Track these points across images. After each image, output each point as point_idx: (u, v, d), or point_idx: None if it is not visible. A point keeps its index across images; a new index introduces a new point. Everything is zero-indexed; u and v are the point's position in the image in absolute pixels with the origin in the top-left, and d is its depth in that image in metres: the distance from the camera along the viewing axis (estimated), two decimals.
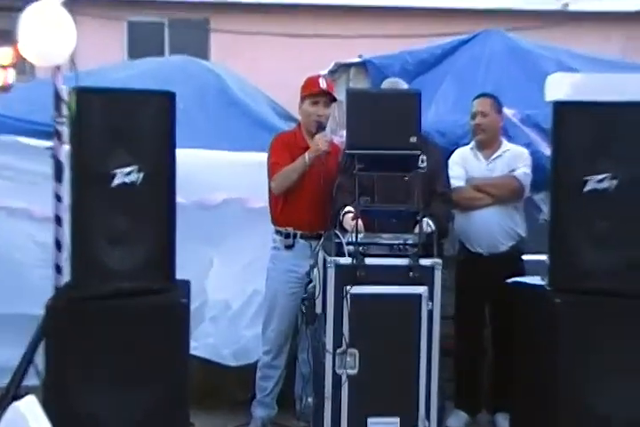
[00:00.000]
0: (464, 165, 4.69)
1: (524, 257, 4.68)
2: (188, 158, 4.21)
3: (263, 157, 4.42)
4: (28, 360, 3.80)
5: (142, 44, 10.94)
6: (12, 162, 4.72)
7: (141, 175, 3.64)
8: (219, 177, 4.74)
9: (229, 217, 4.72)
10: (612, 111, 3.92)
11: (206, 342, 4.51)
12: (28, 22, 3.92)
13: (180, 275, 3.83)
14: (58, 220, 4.00)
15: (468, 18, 10.40)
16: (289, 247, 4.32)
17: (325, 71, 5.87)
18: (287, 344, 4.40)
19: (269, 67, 9.14)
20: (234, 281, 4.63)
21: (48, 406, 3.40)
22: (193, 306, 4.02)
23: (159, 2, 10.66)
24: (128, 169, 3.60)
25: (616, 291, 3.89)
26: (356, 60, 6.07)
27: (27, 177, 4.67)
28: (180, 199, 3.90)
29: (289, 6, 10.59)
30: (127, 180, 3.61)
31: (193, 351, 4.20)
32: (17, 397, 3.60)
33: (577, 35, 10.13)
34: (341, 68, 6.07)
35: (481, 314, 4.73)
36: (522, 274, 4.51)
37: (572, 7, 11.31)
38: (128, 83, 5.05)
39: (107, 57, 9.38)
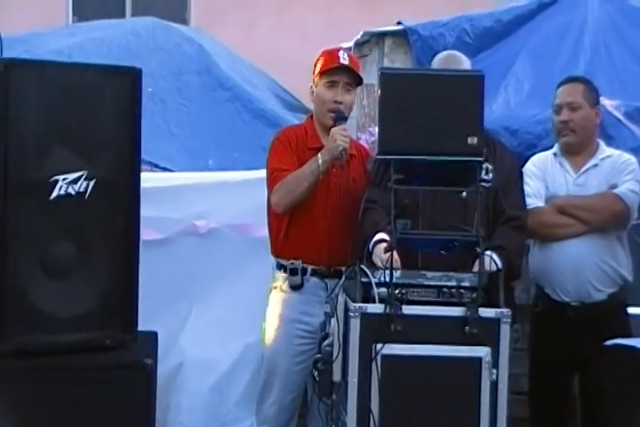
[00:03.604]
0: (545, 178, 4.73)
1: (630, 310, 4.71)
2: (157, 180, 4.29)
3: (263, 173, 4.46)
4: None
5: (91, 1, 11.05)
6: None
7: (92, 184, 3.66)
8: (205, 201, 4.80)
9: (216, 250, 4.76)
10: None
11: (180, 421, 4.52)
12: None
13: (145, 326, 3.84)
14: None
15: None
16: (296, 288, 4.35)
17: (350, 43, 5.93)
18: (292, 424, 4.42)
19: (269, 36, 9.09)
20: (220, 335, 4.65)
21: None
22: (162, 369, 4.00)
23: None
24: (74, 175, 3.62)
25: None
26: (394, 27, 6.12)
27: None
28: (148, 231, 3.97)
29: None
30: (72, 190, 3.62)
31: None
32: None
33: None
34: (373, 39, 6.13)
35: (566, 389, 4.75)
36: (626, 334, 4.55)
37: None
38: (73, 54, 5.10)
39: (45, 18, 9.38)
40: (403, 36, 5.98)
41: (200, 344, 4.64)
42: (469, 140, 3.81)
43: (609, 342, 4.42)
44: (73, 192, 3.62)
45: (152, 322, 3.93)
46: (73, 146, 3.63)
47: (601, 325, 4.56)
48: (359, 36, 6.11)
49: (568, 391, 4.76)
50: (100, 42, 5.57)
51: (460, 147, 3.80)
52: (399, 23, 6.12)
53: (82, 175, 3.63)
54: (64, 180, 3.59)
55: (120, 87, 3.74)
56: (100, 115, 3.70)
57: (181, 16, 10.16)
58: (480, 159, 3.83)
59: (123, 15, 10.46)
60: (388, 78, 3.96)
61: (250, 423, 4.49)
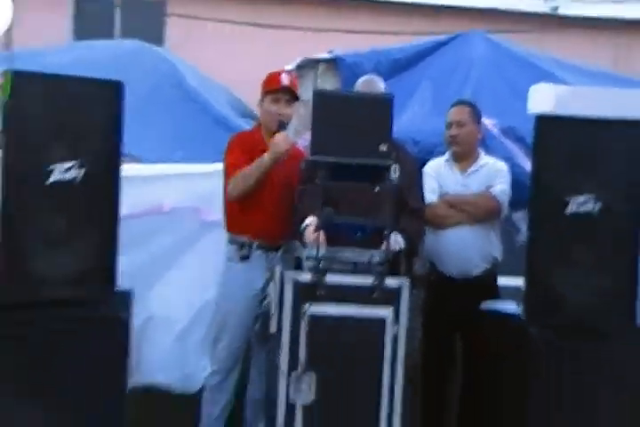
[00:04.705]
0: (438, 179, 4.69)
1: (500, 281, 4.70)
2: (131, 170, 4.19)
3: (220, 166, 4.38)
4: None
5: (90, 24, 10.77)
6: None
7: (82, 172, 3.56)
8: (169, 187, 4.68)
9: (177, 226, 4.64)
10: (599, 128, 3.94)
11: (149, 366, 4.40)
12: None
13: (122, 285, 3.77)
14: None
15: (449, 16, 10.40)
16: (244, 259, 4.26)
17: (291, 66, 5.86)
18: (238, 365, 4.33)
19: (230, 58, 9.00)
20: (182, 295, 4.55)
21: None
22: (135, 323, 3.93)
23: None
24: (67, 165, 3.52)
25: (596, 326, 3.92)
26: (326, 55, 6.05)
27: None
28: (125, 210, 3.88)
29: None
30: (66, 176, 3.53)
31: (134, 378, 4.13)
32: None
33: (565, 40, 10.21)
34: (309, 64, 6.06)
35: (451, 341, 4.72)
36: (496, 298, 4.56)
37: (562, 11, 11.40)
38: (71, 68, 4.93)
39: (49, 37, 9.19)
40: (333, 62, 5.92)
41: (165, 303, 4.52)
42: (381, 147, 3.78)
43: (483, 306, 4.45)
44: (66, 179, 3.53)
45: (127, 283, 3.80)
46: (67, 142, 3.54)
47: (478, 292, 4.55)
48: (299, 61, 6.03)
49: (453, 344, 4.74)
50: (94, 59, 5.41)
51: (373, 152, 3.77)
52: (330, 52, 6.06)
53: (74, 165, 3.54)
54: (59, 168, 3.50)
55: (106, 96, 3.67)
56: (89, 117, 3.62)
57: (159, 39, 9.99)
58: (389, 162, 3.78)
59: (112, 36, 10.33)
60: (320, 97, 3.93)
61: (205, 365, 4.40)
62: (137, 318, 3.99)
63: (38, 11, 10.11)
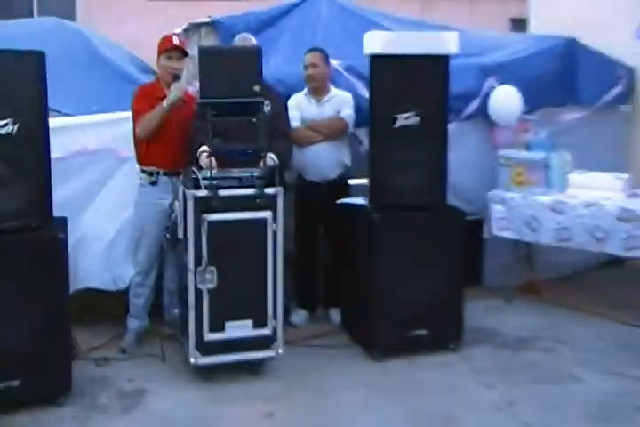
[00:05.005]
0: (300, 109, 4.56)
1: (350, 182, 4.64)
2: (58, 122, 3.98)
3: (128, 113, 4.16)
4: None
5: (8, 9, 10.00)
6: None
7: (16, 127, 3.36)
8: (90, 133, 4.40)
9: (100, 163, 4.39)
10: (415, 62, 4.01)
11: (87, 273, 4.24)
12: None
13: (58, 213, 3.60)
14: None
15: None
16: (153, 184, 4.09)
17: (180, 30, 5.55)
18: (155, 266, 4.22)
19: (131, 26, 8.53)
20: (106, 216, 4.35)
21: None
22: (72, 240, 3.78)
23: None
24: (3, 121, 3.33)
25: (418, 205, 4.06)
26: (206, 20, 5.75)
27: None
28: (56, 154, 3.70)
29: None
30: (3, 131, 3.33)
31: (75, 283, 4.00)
32: None
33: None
34: (194, 28, 5.74)
35: (316, 230, 4.68)
36: (348, 196, 4.51)
37: None
38: None
39: None
40: (212, 25, 5.61)
41: (94, 223, 4.32)
42: (254, 88, 3.67)
43: (339, 201, 4.43)
44: (4, 133, 3.34)
45: (61, 210, 3.64)
46: (3, 102, 3.34)
47: (335, 192, 4.51)
48: (185, 26, 5.72)
49: (317, 230, 4.69)
50: (15, 34, 4.93)
51: (249, 92, 3.66)
52: (209, 17, 5.75)
53: (9, 122, 3.35)
54: None
55: (32, 64, 3.45)
56: (20, 83, 3.41)
57: (72, 15, 9.38)
58: (261, 99, 3.68)
59: (31, 15, 9.66)
60: (204, 52, 3.77)
61: (130, 269, 4.26)
62: (72, 238, 3.82)
63: None
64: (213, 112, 3.66)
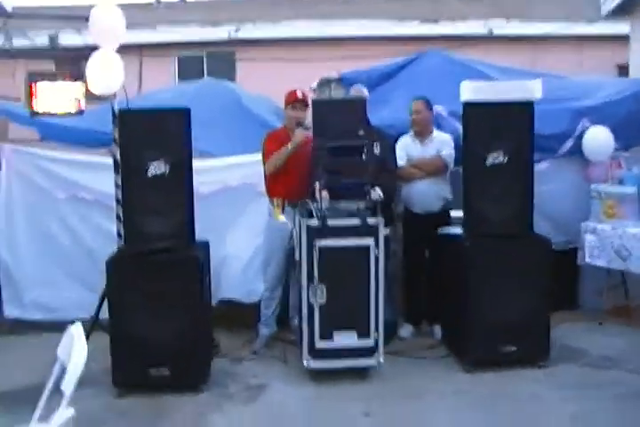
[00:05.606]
0: (405, 149, 4.58)
1: (452, 213, 4.58)
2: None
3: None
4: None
5: (187, 72, 11.01)
6: None
7: (168, 167, 3.67)
8: (232, 171, 4.66)
9: (240, 197, 4.60)
10: (502, 107, 3.98)
11: (227, 286, 4.46)
12: (92, 65, 3.95)
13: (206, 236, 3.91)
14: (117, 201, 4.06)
15: (415, 43, 9.87)
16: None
17: (314, 84, 5.73)
18: (281, 282, 4.34)
19: (277, 83, 8.93)
20: (243, 240, 4.55)
21: (112, 329, 3.54)
22: (218, 257, 4.06)
23: (199, 43, 10.80)
24: (157, 162, 3.65)
25: (507, 234, 3.96)
26: (335, 75, 5.91)
27: None
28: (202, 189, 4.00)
29: (291, 40, 10.58)
30: (158, 171, 3.65)
31: (218, 294, 4.24)
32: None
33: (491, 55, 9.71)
34: (326, 82, 5.93)
35: (422, 254, 4.63)
36: (449, 225, 4.46)
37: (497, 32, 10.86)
38: (172, 99, 4.94)
39: (163, 83, 9.38)
40: (340, 79, 5.75)
41: (234, 246, 4.55)
42: (359, 132, 3.76)
43: (440, 230, 4.39)
44: (159, 173, 3.70)
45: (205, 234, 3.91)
46: (157, 147, 3.69)
47: (437, 222, 4.47)
48: (319, 81, 5.91)
49: (423, 256, 4.64)
50: (185, 92, 5.33)
51: (355, 136, 3.76)
52: (337, 73, 5.91)
53: (162, 163, 3.69)
54: (153, 165, 3.71)
55: (178, 118, 3.73)
56: (169, 133, 3.71)
57: (232, 77, 10.12)
58: (365, 142, 3.76)
59: (202, 75, 10.51)
60: (316, 104, 3.92)
61: (261, 285, 4.42)
62: (217, 256, 4.09)
63: (156, 68, 10.55)
64: (326, 153, 3.76)
